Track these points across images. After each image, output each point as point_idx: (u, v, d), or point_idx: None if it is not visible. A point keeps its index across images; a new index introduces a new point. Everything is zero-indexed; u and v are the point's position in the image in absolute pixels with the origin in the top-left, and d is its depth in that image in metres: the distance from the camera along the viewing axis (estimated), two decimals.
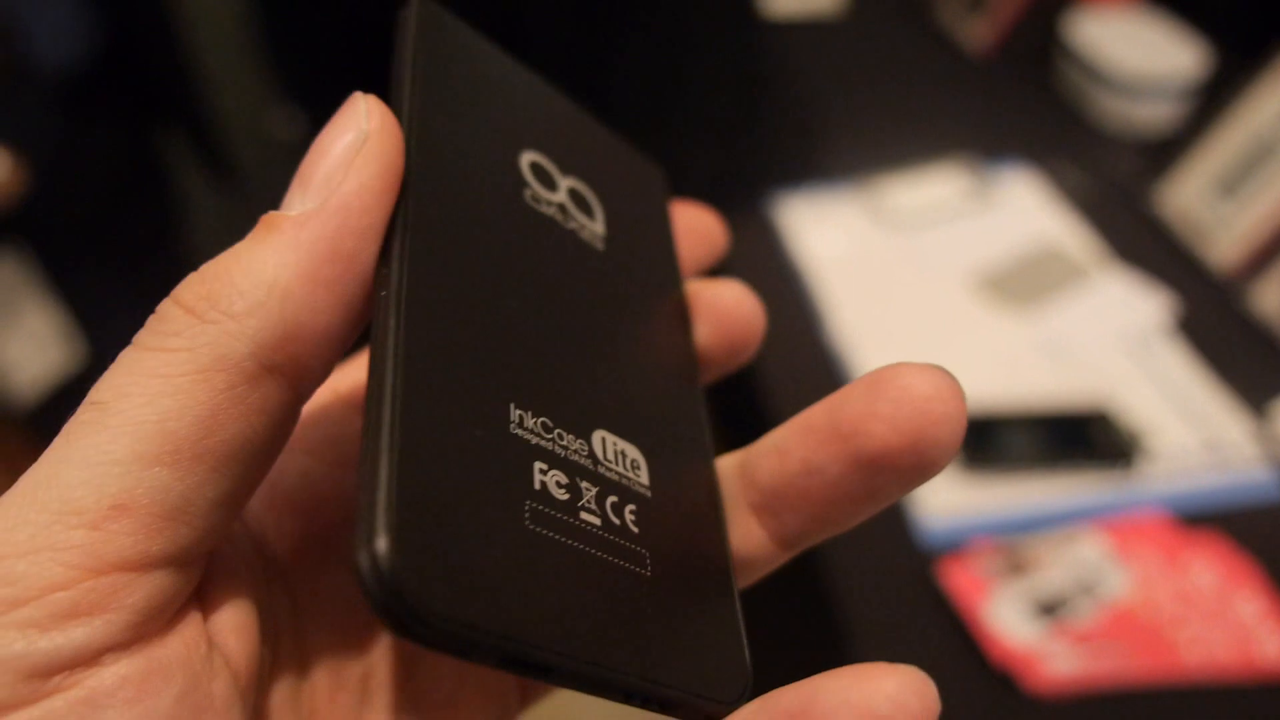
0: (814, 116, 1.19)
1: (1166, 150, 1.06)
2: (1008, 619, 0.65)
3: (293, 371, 0.17)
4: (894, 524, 0.74)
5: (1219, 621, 0.64)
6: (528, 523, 0.17)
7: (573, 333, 0.21)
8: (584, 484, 0.19)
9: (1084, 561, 0.68)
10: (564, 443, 0.19)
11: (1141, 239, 0.98)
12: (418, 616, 0.15)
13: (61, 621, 0.15)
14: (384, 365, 0.17)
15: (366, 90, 0.19)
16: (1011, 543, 0.70)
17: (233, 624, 0.18)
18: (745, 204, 1.04)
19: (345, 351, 0.19)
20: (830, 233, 1.00)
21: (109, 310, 1.06)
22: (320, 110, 0.21)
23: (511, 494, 0.17)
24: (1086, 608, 0.65)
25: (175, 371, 0.16)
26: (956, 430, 0.18)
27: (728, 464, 0.22)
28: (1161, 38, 1.15)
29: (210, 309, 0.17)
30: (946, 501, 0.74)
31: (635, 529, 0.20)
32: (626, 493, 0.20)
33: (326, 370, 0.18)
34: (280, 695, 0.20)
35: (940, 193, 1.03)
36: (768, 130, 1.17)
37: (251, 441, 0.17)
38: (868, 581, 0.71)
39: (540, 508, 0.18)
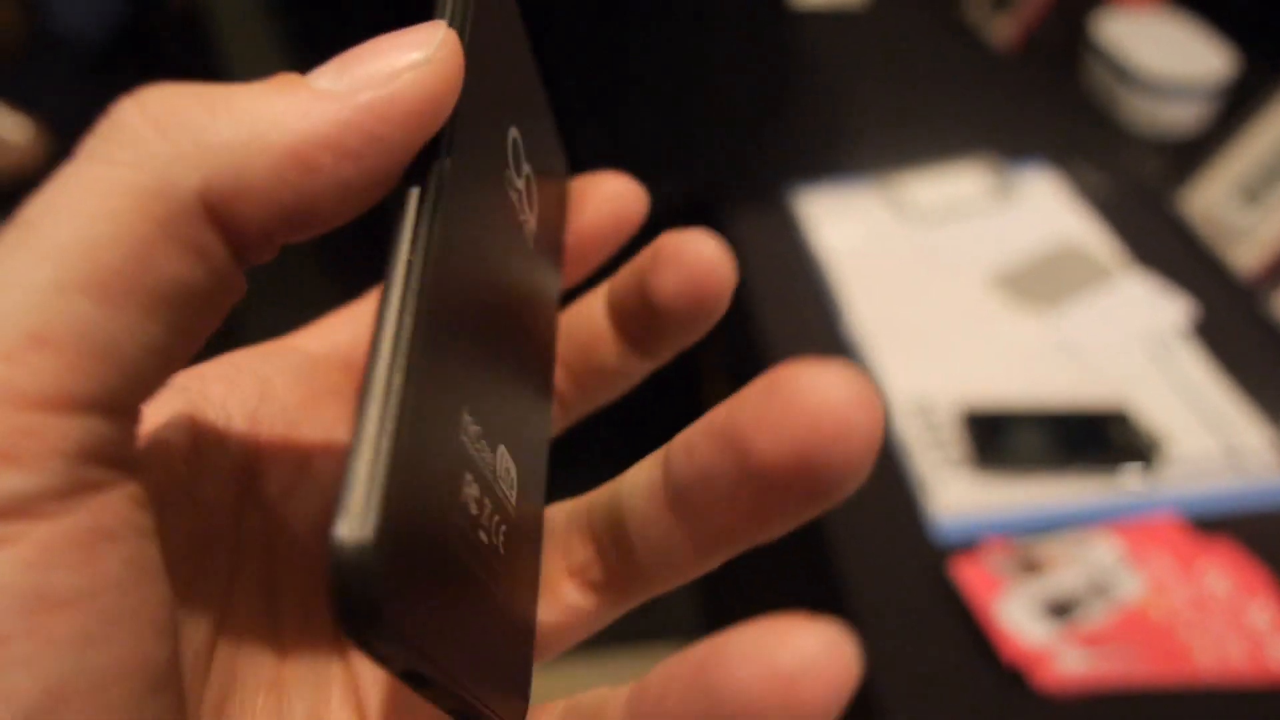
0: (836, 110, 1.19)
1: (1191, 152, 1.05)
2: (1019, 618, 0.65)
3: (233, 231, 0.16)
4: (907, 519, 0.74)
5: (1232, 627, 0.64)
6: (450, 535, 0.17)
7: (503, 335, 0.20)
8: (487, 500, 0.18)
9: (1097, 563, 0.68)
10: (484, 456, 0.18)
11: (1164, 241, 0.98)
12: (374, 614, 0.14)
13: None
14: (389, 337, 0.15)
15: None
16: (1025, 542, 0.70)
17: (170, 502, 0.18)
18: (765, 195, 1.04)
19: (281, 246, 0.17)
20: (849, 227, 1.00)
21: None
22: None
23: (448, 505, 0.17)
24: (1099, 609, 0.65)
25: (113, 192, 0.15)
26: (860, 449, 0.15)
27: (657, 457, 0.19)
28: (1189, 39, 1.14)
29: (176, 126, 0.15)
30: (960, 499, 0.74)
31: (502, 551, 0.19)
32: (505, 513, 0.19)
33: (265, 251, 0.17)
34: (248, 618, 0.20)
35: (961, 190, 1.02)
36: (789, 122, 1.17)
37: (189, 288, 0.15)
38: (880, 577, 0.71)
39: (459, 523, 0.17)
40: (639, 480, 0.19)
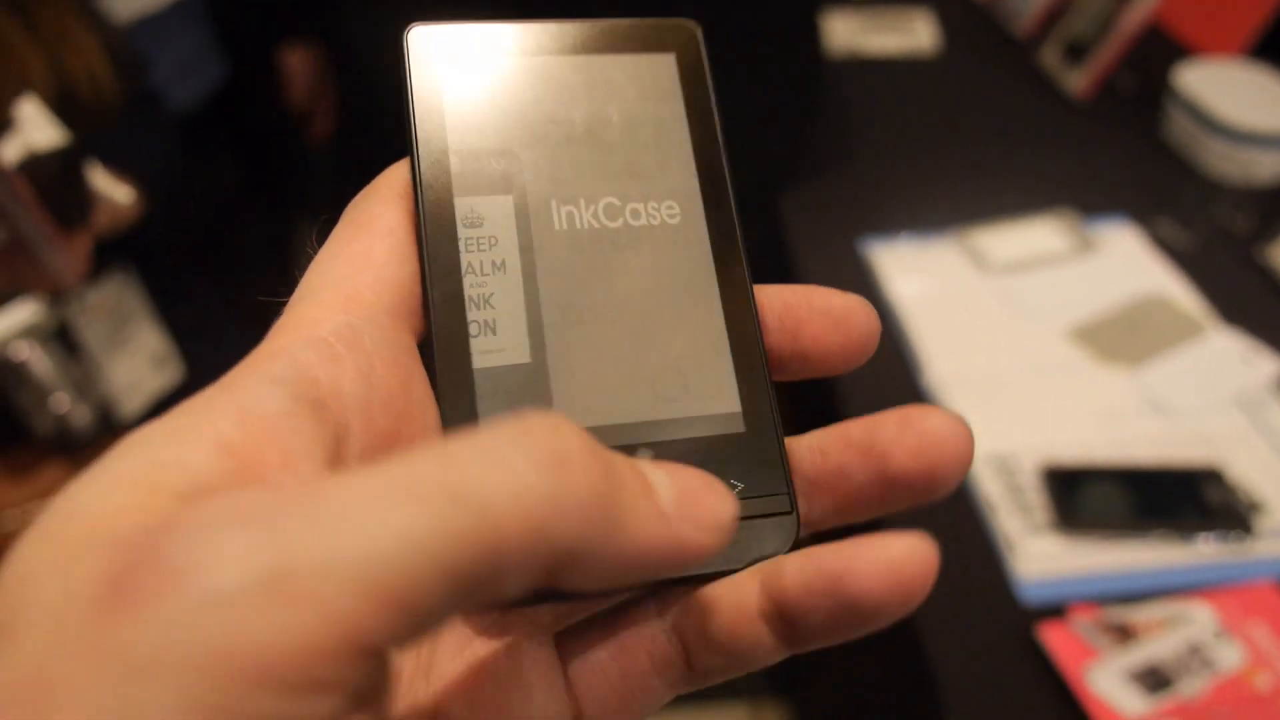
0: (910, 161, 1.18)
1: (1278, 202, 1.03)
2: (1112, 688, 0.63)
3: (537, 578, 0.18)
4: (992, 581, 0.72)
5: None
6: None
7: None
8: None
9: (1193, 632, 0.66)
10: None
11: (1252, 294, 0.95)
12: None
13: (309, 692, 0.15)
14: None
15: None
16: (1115, 609, 0.68)
17: None
18: (840, 247, 1.04)
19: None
20: (926, 280, 0.99)
21: (211, 330, 1.09)
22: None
23: None
24: (1197, 680, 0.63)
25: (487, 515, 0.16)
26: (963, 468, 0.22)
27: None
28: (1271, 88, 1.12)
29: (577, 474, 0.17)
30: (1044, 561, 0.72)
31: None
32: None
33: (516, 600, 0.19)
34: None
35: (1039, 244, 1.01)
36: (864, 173, 1.17)
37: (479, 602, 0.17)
38: (965, 639, 0.70)
39: None
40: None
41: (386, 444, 0.22)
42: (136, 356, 1.00)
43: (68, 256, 0.81)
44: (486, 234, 0.24)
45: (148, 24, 1.02)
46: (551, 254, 0.25)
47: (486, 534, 0.16)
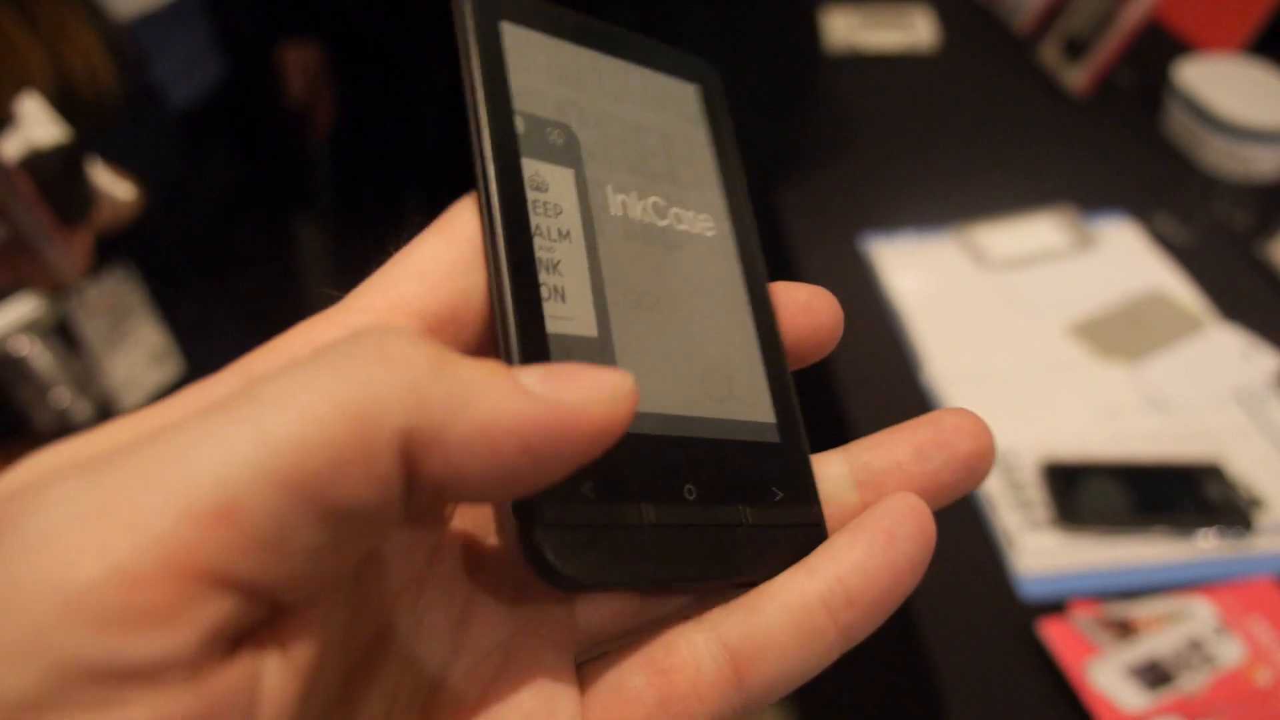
0: (909, 157, 1.18)
1: (1278, 198, 1.03)
2: (1113, 683, 0.63)
3: (413, 474, 0.17)
4: (991, 576, 0.72)
5: None
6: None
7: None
8: None
9: (1194, 628, 0.66)
10: None
11: (1252, 290, 0.96)
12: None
13: (136, 626, 0.14)
14: None
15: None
16: (1116, 604, 0.68)
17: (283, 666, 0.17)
18: (840, 244, 1.04)
19: (445, 502, 0.19)
20: (926, 275, 0.99)
21: (210, 326, 1.09)
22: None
23: None
24: (1197, 676, 0.63)
25: (330, 401, 0.16)
26: (994, 454, 0.25)
27: (832, 456, 0.25)
28: (1272, 84, 1.12)
29: (404, 366, 0.17)
30: (1043, 556, 0.72)
31: None
32: None
33: (429, 502, 0.18)
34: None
35: (1039, 240, 1.01)
36: (863, 169, 1.17)
37: (362, 510, 0.16)
38: (965, 634, 0.70)
39: None
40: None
41: None
42: (136, 352, 1.00)
43: (69, 253, 0.81)
44: (552, 200, 0.23)
45: (148, 21, 1.02)
46: (610, 236, 0.24)
47: (302, 431, 0.15)
